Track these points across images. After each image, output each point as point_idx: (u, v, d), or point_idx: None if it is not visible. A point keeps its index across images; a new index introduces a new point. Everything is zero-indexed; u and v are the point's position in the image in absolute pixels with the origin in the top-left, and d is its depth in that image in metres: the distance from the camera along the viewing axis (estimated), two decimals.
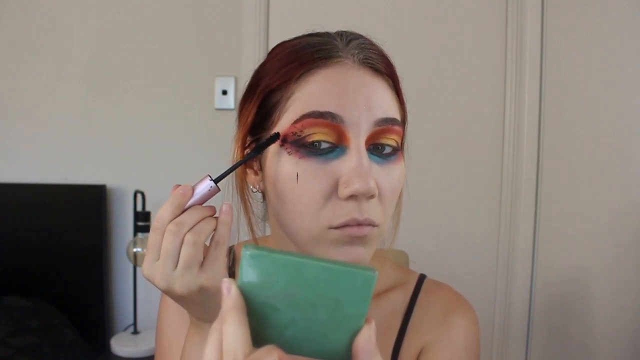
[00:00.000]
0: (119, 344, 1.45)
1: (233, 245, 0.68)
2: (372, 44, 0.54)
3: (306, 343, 0.37)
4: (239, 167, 0.56)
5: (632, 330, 1.52)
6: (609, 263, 1.53)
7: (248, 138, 0.55)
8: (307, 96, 0.50)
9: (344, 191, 0.48)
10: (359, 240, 0.49)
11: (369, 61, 0.52)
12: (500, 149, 1.57)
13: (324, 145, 0.49)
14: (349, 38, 0.53)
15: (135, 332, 1.53)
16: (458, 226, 1.59)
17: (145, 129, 1.64)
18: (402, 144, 0.57)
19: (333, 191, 0.49)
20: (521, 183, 1.55)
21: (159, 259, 0.45)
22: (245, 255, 0.35)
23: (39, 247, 1.56)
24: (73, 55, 1.64)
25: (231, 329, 0.33)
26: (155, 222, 0.46)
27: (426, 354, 0.60)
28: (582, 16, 1.53)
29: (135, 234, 1.48)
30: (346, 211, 0.48)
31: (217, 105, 1.59)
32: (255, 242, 0.62)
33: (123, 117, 1.64)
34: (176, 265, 0.45)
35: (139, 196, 1.48)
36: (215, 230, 0.47)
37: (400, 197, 0.58)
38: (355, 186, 0.47)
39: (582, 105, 1.54)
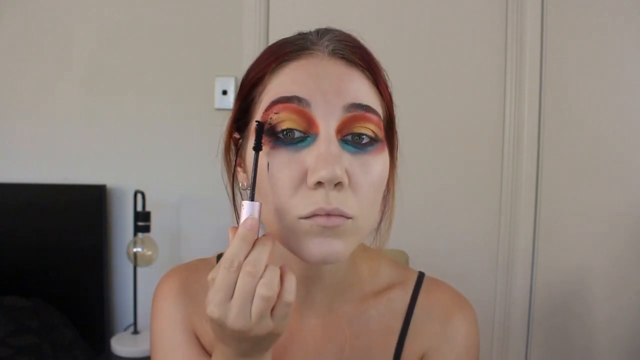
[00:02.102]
0: (119, 344, 1.45)
1: (222, 254, 0.67)
2: (347, 37, 0.54)
3: None
4: (230, 165, 0.58)
5: (632, 330, 1.52)
6: (609, 263, 1.53)
7: (234, 134, 0.57)
8: (277, 86, 0.50)
9: (310, 178, 0.47)
10: (330, 231, 0.47)
11: (341, 52, 0.51)
12: (500, 148, 1.57)
13: (295, 135, 0.48)
14: (323, 33, 0.53)
15: (135, 332, 1.52)
16: (458, 226, 1.59)
17: (145, 129, 1.64)
18: (390, 138, 0.56)
19: (302, 181, 0.48)
20: (521, 183, 1.55)
21: (231, 299, 0.43)
22: None
23: (39, 247, 1.56)
24: (73, 55, 1.64)
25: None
26: (227, 262, 0.43)
27: (428, 359, 0.60)
28: (582, 16, 1.53)
29: (135, 234, 1.48)
30: (314, 200, 0.47)
31: (217, 105, 1.59)
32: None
33: (123, 117, 1.64)
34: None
35: (139, 196, 1.48)
36: (282, 284, 0.45)
37: (393, 195, 0.57)
38: (321, 173, 0.46)
39: (582, 105, 1.54)
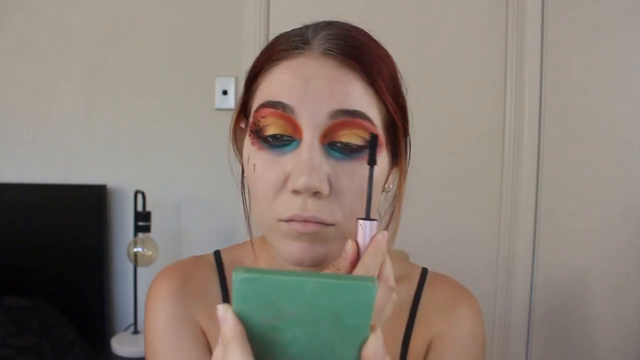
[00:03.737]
0: (119, 344, 1.45)
1: (219, 250, 0.66)
2: (345, 34, 0.51)
3: (312, 359, 0.36)
4: (236, 150, 0.58)
5: (632, 328, 1.52)
6: (609, 261, 1.53)
7: (240, 123, 0.57)
8: (267, 87, 0.50)
9: (288, 185, 0.47)
10: (308, 237, 0.48)
11: (332, 52, 0.49)
12: (500, 148, 1.57)
13: (283, 139, 0.49)
14: (321, 29, 0.52)
15: (136, 332, 1.52)
16: (458, 225, 1.59)
17: (146, 129, 1.64)
18: (395, 140, 0.54)
19: (284, 184, 0.48)
20: (521, 182, 1.55)
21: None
22: (237, 280, 0.34)
23: (39, 247, 1.56)
24: (73, 55, 1.64)
25: (234, 358, 0.33)
26: (390, 281, 0.43)
27: (435, 348, 0.61)
28: (582, 15, 1.53)
29: (135, 234, 1.48)
30: (292, 206, 0.47)
31: (217, 105, 1.59)
32: (251, 245, 0.61)
33: (123, 117, 1.64)
34: None
35: (139, 196, 1.48)
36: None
37: (399, 201, 0.56)
38: (299, 182, 0.46)
39: (582, 104, 1.54)
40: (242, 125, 0.57)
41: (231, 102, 1.58)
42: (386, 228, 0.57)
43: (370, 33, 0.54)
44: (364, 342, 0.35)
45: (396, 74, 0.55)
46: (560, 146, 1.55)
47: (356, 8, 1.57)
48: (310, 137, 0.47)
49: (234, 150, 0.60)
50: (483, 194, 1.59)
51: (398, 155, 0.55)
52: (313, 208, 0.47)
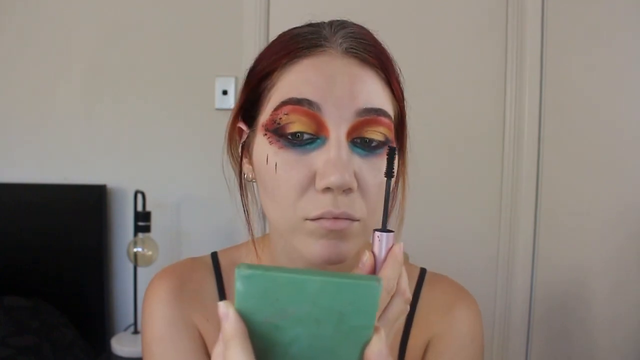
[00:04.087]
0: (119, 344, 1.45)
1: (216, 252, 0.66)
2: (362, 33, 0.52)
3: (314, 359, 0.35)
4: (238, 156, 0.57)
5: (632, 327, 1.52)
6: (609, 261, 1.53)
7: (239, 123, 0.56)
8: (288, 85, 0.49)
9: (319, 183, 0.47)
10: (336, 234, 0.48)
11: (355, 50, 0.50)
12: (500, 147, 1.57)
13: (304, 137, 0.48)
14: (337, 27, 0.52)
15: (136, 332, 1.52)
16: (458, 224, 1.59)
17: (145, 128, 1.64)
18: (401, 139, 0.56)
19: (311, 183, 0.48)
20: (521, 182, 1.55)
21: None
22: (240, 277, 0.33)
23: (39, 247, 1.56)
24: (73, 55, 1.64)
25: (235, 356, 0.33)
26: (407, 293, 0.43)
27: (433, 347, 0.61)
28: (582, 15, 1.53)
29: (135, 234, 1.48)
30: (322, 204, 0.47)
31: (217, 105, 1.59)
32: (251, 245, 0.61)
33: (123, 117, 1.64)
34: None
35: (139, 196, 1.48)
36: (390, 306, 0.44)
37: (403, 191, 0.58)
38: (331, 179, 0.46)
39: (582, 104, 1.54)
40: (242, 126, 0.56)
41: (231, 102, 1.58)
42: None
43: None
44: (367, 343, 0.35)
45: (400, 74, 0.56)
46: (560, 146, 1.55)
47: (356, 8, 1.57)
48: (337, 134, 0.47)
49: (228, 153, 0.59)
50: (483, 193, 1.59)
51: (402, 155, 0.57)
52: (344, 204, 0.47)
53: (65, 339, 1.36)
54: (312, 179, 0.48)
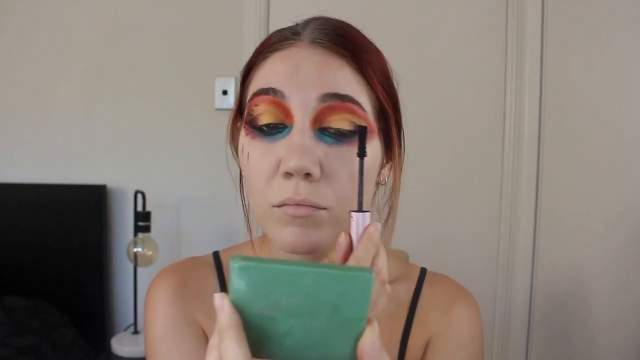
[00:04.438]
0: (119, 344, 1.45)
1: (218, 251, 0.66)
2: (334, 24, 0.53)
3: (308, 350, 0.36)
4: (234, 150, 0.59)
5: (632, 327, 1.52)
6: (609, 261, 1.53)
7: (238, 121, 0.58)
8: (259, 78, 0.52)
9: (280, 169, 0.48)
10: (301, 221, 0.48)
11: (321, 41, 0.50)
12: (500, 147, 1.57)
13: (272, 126, 0.49)
14: (310, 21, 0.54)
15: (136, 332, 1.52)
16: (458, 224, 1.59)
17: (145, 128, 1.64)
18: (387, 130, 0.54)
19: (276, 170, 0.49)
20: (521, 182, 1.55)
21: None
22: (234, 268, 0.33)
23: (39, 247, 1.56)
24: (73, 55, 1.64)
25: (230, 347, 0.33)
26: (382, 274, 0.43)
27: (433, 346, 0.61)
28: (582, 15, 1.53)
29: (135, 234, 1.48)
30: (284, 190, 0.48)
31: (217, 105, 1.59)
32: (250, 240, 0.62)
33: (123, 117, 1.64)
34: None
35: (139, 196, 1.48)
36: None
37: (396, 196, 0.57)
38: (289, 164, 0.46)
39: (582, 104, 1.54)
40: (239, 124, 0.57)
41: (231, 102, 1.58)
42: (385, 223, 0.57)
43: (362, 31, 0.55)
44: (360, 334, 0.35)
45: (386, 66, 0.55)
46: (560, 146, 1.55)
47: (356, 8, 1.57)
48: (301, 121, 0.48)
49: (232, 151, 0.60)
50: (483, 193, 1.59)
51: (391, 146, 0.56)
52: (305, 191, 0.47)
53: (65, 339, 1.36)
54: (278, 166, 0.49)
